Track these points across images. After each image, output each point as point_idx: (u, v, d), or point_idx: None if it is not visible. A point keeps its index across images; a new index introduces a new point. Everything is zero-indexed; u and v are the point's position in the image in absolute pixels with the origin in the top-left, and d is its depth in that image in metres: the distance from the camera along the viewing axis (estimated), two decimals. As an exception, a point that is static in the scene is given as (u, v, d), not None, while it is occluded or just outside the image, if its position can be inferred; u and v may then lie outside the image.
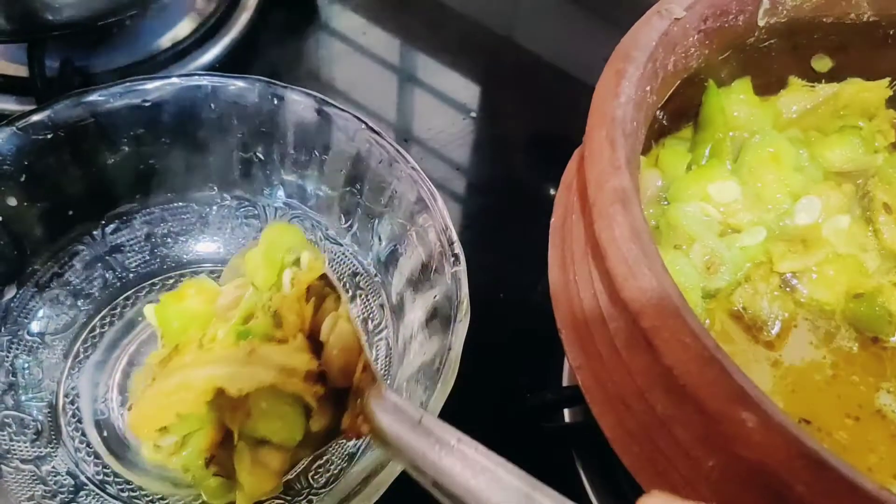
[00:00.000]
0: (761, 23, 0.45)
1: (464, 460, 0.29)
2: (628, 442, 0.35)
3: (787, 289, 0.43)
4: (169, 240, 0.54)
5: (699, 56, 0.43)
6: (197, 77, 0.50)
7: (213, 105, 0.51)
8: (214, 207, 0.54)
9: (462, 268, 0.43)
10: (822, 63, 0.50)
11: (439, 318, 0.43)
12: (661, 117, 0.48)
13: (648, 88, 0.38)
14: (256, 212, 0.54)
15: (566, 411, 0.50)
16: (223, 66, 0.70)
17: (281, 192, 0.53)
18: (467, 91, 0.72)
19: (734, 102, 0.49)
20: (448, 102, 0.71)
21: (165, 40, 0.71)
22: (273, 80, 0.50)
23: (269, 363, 0.43)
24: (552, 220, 0.42)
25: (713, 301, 0.42)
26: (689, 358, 0.30)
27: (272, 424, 0.42)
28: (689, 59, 0.42)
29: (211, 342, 0.45)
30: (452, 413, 0.51)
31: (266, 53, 0.73)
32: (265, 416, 0.42)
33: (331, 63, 0.74)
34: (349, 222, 0.51)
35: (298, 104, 0.50)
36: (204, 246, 0.54)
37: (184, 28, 0.72)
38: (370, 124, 0.48)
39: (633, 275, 0.31)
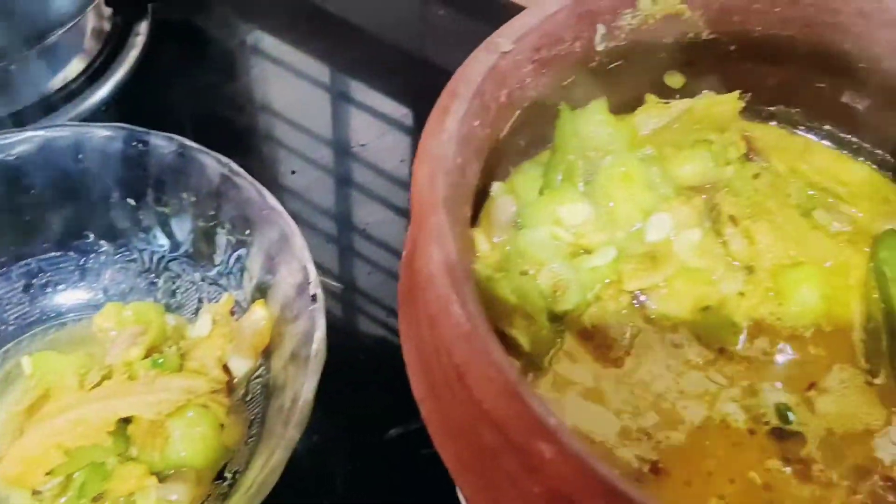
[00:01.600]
0: (599, 48, 0.46)
1: None
2: (465, 472, 0.36)
3: (637, 305, 0.44)
4: (48, 289, 0.54)
5: (538, 84, 0.44)
6: (60, 128, 0.51)
7: (79, 155, 0.51)
8: (92, 255, 0.54)
9: (319, 306, 0.43)
10: (674, 79, 0.51)
11: (300, 356, 0.44)
12: (521, 143, 0.49)
13: (478, 123, 0.39)
14: (134, 256, 0.55)
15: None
16: (117, 104, 0.71)
17: (156, 235, 0.54)
18: (393, 107, 0.72)
19: (590, 123, 0.50)
20: (380, 118, 0.72)
21: (56, 81, 0.71)
22: (135, 127, 0.50)
23: (174, 387, 0.45)
24: (404, 252, 0.43)
25: (562, 323, 0.43)
26: (495, 392, 0.30)
27: (191, 446, 0.44)
28: (527, 89, 0.43)
29: (93, 384, 0.46)
30: (326, 447, 0.52)
31: (158, 88, 0.73)
32: (184, 439, 0.44)
33: (247, 86, 0.75)
34: (223, 260, 0.52)
35: (162, 148, 0.50)
36: (84, 294, 0.55)
37: (73, 68, 0.72)
38: (231, 164, 0.49)
39: (445, 312, 0.32)
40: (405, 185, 0.66)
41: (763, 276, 0.46)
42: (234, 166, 0.49)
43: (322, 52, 0.78)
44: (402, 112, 0.72)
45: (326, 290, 0.57)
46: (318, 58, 0.78)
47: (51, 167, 0.51)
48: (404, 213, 0.65)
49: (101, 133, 0.51)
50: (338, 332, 0.56)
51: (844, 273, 0.47)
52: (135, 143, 0.51)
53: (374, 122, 0.72)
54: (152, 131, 0.51)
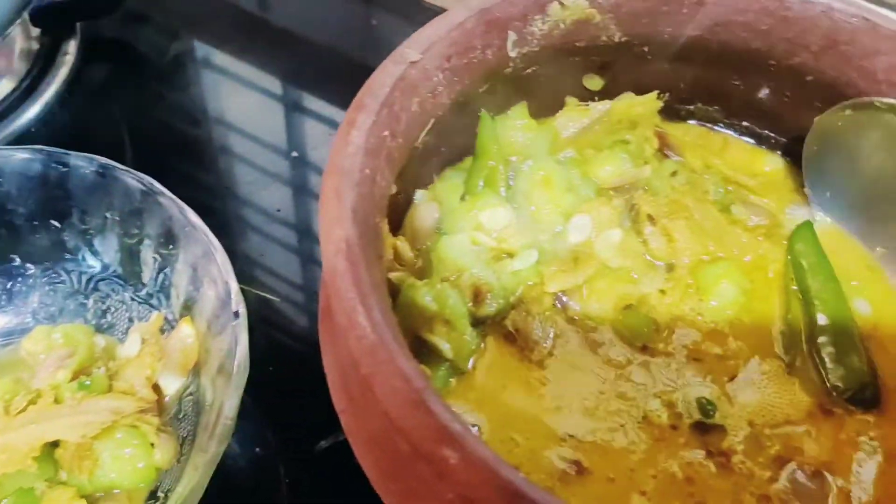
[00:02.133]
0: (512, 53, 0.46)
1: None
2: (385, 480, 0.36)
3: (559, 307, 0.45)
4: (-25, 314, 0.53)
5: (452, 92, 0.44)
6: (-24, 152, 0.50)
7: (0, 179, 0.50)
8: (19, 279, 0.54)
9: (241, 322, 0.43)
10: (593, 82, 0.52)
11: (224, 371, 0.44)
12: (443, 150, 0.50)
13: (387, 133, 0.39)
14: (63, 278, 0.54)
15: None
16: (47, 124, 0.70)
17: (83, 256, 0.53)
18: (338, 113, 0.73)
19: (511, 129, 0.50)
20: (328, 124, 0.72)
21: (-16, 105, 0.70)
22: (54, 148, 0.50)
23: (100, 408, 0.44)
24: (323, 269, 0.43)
25: (485, 328, 0.44)
26: (400, 401, 0.31)
27: (121, 468, 0.45)
28: (440, 97, 0.44)
29: (19, 409, 0.46)
30: (267, 459, 0.52)
31: (90, 106, 0.72)
32: (113, 461, 0.45)
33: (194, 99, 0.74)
34: (151, 279, 0.52)
35: (82, 169, 0.50)
36: (12, 318, 0.54)
37: (1, 89, 0.71)
38: (153, 182, 0.49)
39: (352, 324, 0.32)
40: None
41: (683, 272, 0.47)
42: (156, 184, 0.49)
43: (259, 62, 0.77)
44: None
45: (266, 302, 0.57)
46: (257, 66, 0.77)
47: (-30, 192, 0.50)
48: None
49: (20, 156, 0.50)
50: (275, 344, 0.56)
51: (763, 266, 0.48)
52: (54, 165, 0.50)
53: (322, 129, 0.72)
54: (71, 152, 0.50)
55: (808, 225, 0.48)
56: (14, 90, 0.71)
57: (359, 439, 0.38)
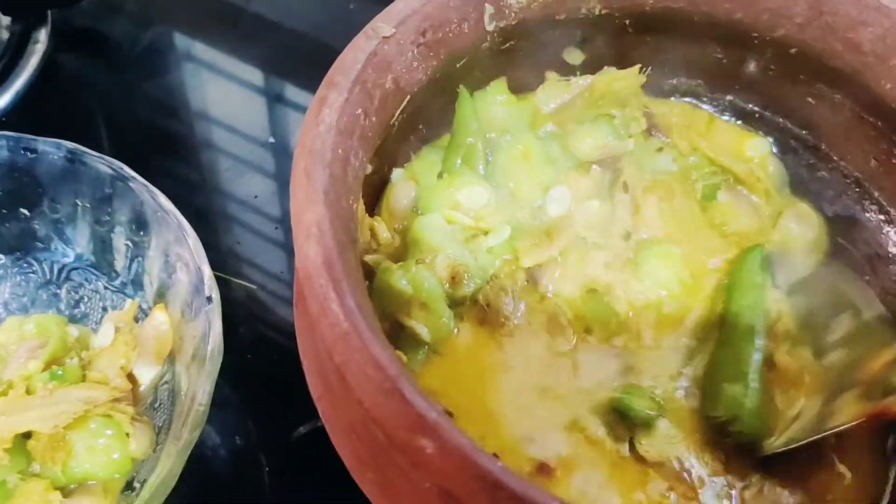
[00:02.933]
0: (490, 27, 0.45)
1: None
2: (363, 469, 0.36)
3: (531, 283, 0.44)
4: (-55, 305, 0.52)
5: (428, 67, 0.43)
6: (-60, 139, 0.48)
7: (-35, 166, 0.49)
8: (-11, 268, 0.52)
9: (214, 306, 0.42)
10: (573, 56, 0.51)
11: (198, 357, 0.43)
12: (421, 128, 0.49)
13: (360, 111, 0.38)
14: (34, 268, 0.53)
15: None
16: (18, 113, 0.68)
17: (55, 245, 0.52)
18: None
19: (491, 105, 0.49)
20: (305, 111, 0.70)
21: (-46, 95, 0.68)
22: (21, 134, 0.48)
23: (72, 398, 0.43)
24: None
25: (464, 308, 0.43)
26: (374, 389, 0.30)
27: (95, 458, 0.44)
28: (415, 73, 0.42)
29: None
30: (237, 445, 0.51)
31: (62, 95, 0.70)
32: (87, 451, 0.44)
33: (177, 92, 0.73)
34: (124, 266, 0.50)
35: (51, 155, 0.49)
36: (-19, 308, 0.52)
37: (-29, 80, 0.69)
38: (123, 167, 0.47)
39: (324, 311, 0.31)
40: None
41: (630, 245, 0.45)
42: (126, 169, 0.47)
43: (236, 50, 0.76)
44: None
45: (244, 291, 0.56)
46: (234, 54, 0.76)
47: (-64, 179, 0.49)
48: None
49: (-16, 142, 0.49)
50: (255, 333, 0.55)
51: (715, 273, 0.46)
52: (22, 151, 0.49)
53: (300, 116, 0.71)
54: (39, 138, 0.49)
55: (755, 253, 0.45)
56: (-18, 80, 0.69)
57: (336, 428, 0.37)
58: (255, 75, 0.74)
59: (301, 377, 0.51)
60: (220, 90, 0.73)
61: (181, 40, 0.77)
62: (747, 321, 0.42)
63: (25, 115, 0.68)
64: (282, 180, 0.65)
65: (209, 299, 0.42)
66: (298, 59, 0.75)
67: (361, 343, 0.30)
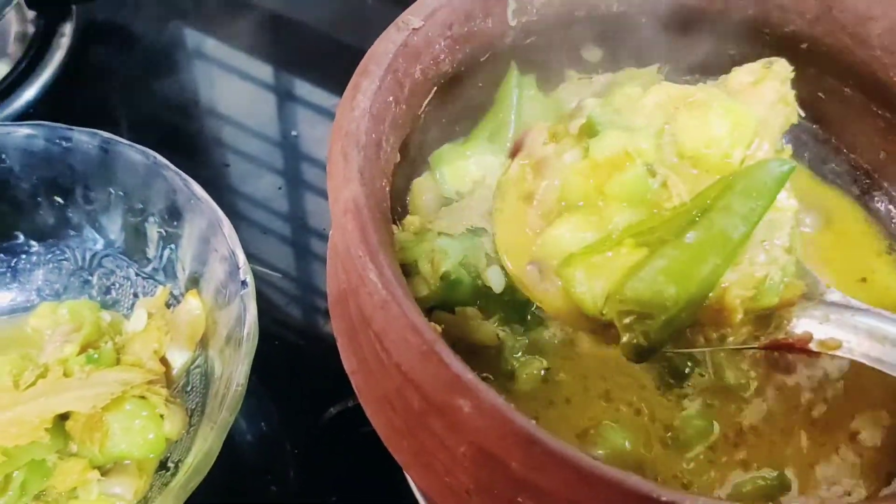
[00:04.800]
0: (513, 22, 0.47)
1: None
2: (397, 438, 0.37)
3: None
4: (-21, 292, 0.53)
5: (454, 61, 0.45)
6: (-21, 129, 0.50)
7: (2, 155, 0.51)
8: (23, 256, 0.54)
9: (249, 290, 0.44)
10: (592, 54, 0.52)
11: (233, 340, 0.44)
12: (444, 122, 0.50)
13: (391, 98, 0.40)
14: (67, 255, 0.54)
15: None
16: (44, 106, 0.70)
17: (87, 233, 0.53)
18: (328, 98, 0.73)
19: (525, 99, 0.50)
20: (315, 109, 0.72)
21: (-19, 88, 0.70)
22: (57, 124, 0.50)
23: (109, 380, 0.45)
24: (331, 232, 0.44)
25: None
26: (412, 354, 0.31)
27: (131, 438, 0.46)
28: (442, 65, 0.44)
29: (28, 383, 0.46)
30: (272, 434, 0.52)
31: (86, 89, 0.72)
32: (123, 432, 0.46)
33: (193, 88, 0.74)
34: (156, 254, 0.52)
35: (85, 144, 0.50)
36: (16, 295, 0.54)
37: (-2, 73, 0.71)
38: (157, 156, 0.49)
39: (362, 282, 0.33)
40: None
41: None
42: (160, 158, 0.49)
43: (256, 46, 0.78)
44: (336, 102, 0.73)
45: (263, 279, 0.58)
46: (252, 52, 0.77)
47: (-27, 169, 0.50)
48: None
49: (23, 132, 0.50)
50: (275, 321, 0.57)
51: None
52: (58, 141, 0.50)
53: (311, 113, 0.72)
54: (75, 127, 0.50)
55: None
56: (9, 74, 0.71)
57: (370, 399, 0.38)
58: (270, 70, 0.76)
59: (325, 362, 0.53)
60: (242, 85, 0.75)
61: (198, 35, 0.79)
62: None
63: (50, 109, 0.70)
64: (304, 171, 0.67)
65: (244, 283, 0.43)
66: (318, 59, 0.77)
67: (400, 310, 0.32)
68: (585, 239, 0.40)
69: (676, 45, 0.53)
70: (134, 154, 0.49)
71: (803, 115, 0.45)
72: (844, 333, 0.38)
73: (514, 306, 0.44)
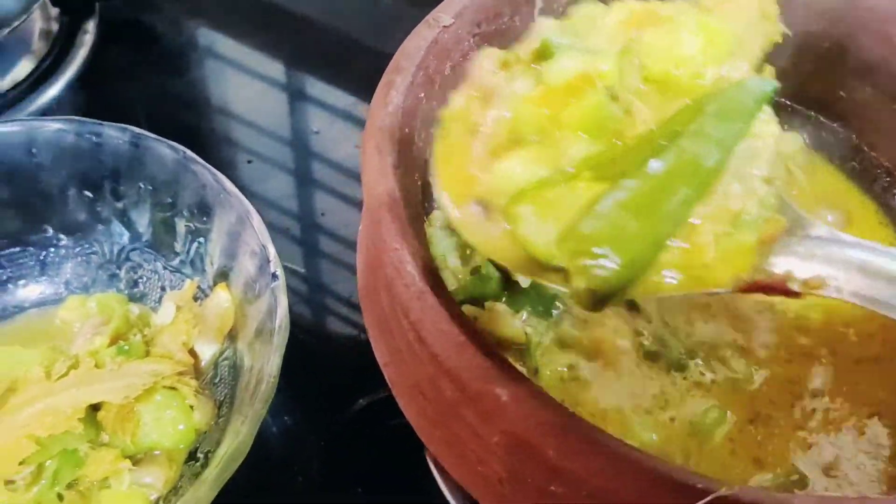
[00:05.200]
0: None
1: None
2: (430, 428, 0.38)
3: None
4: (9, 285, 0.54)
5: (482, 58, 0.45)
6: (11, 123, 0.51)
7: (33, 149, 0.51)
8: (52, 249, 0.55)
9: (280, 283, 0.44)
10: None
11: (264, 333, 0.45)
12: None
13: (423, 95, 0.40)
14: (95, 249, 0.55)
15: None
16: (68, 103, 0.71)
17: (115, 226, 0.54)
18: (343, 97, 0.74)
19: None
20: (330, 108, 0.73)
21: (5, 83, 0.71)
22: (87, 119, 0.51)
23: (140, 371, 0.46)
24: (360, 226, 0.44)
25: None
26: (449, 343, 0.32)
27: (162, 429, 0.47)
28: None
29: (60, 375, 0.47)
30: (297, 427, 0.53)
31: (109, 86, 0.73)
32: (154, 422, 0.47)
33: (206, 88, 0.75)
34: (183, 248, 0.53)
35: (116, 139, 0.51)
36: (45, 287, 0.55)
37: (22, 70, 0.72)
38: (186, 151, 0.50)
39: (399, 274, 0.34)
40: (356, 172, 0.66)
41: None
42: (189, 153, 0.50)
43: (273, 45, 0.78)
44: (352, 101, 0.74)
45: (291, 274, 0.58)
46: (269, 51, 0.78)
47: (4, 162, 0.51)
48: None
49: (54, 126, 0.51)
50: (299, 317, 0.57)
51: None
52: (88, 135, 0.51)
53: (326, 113, 0.73)
54: (105, 122, 0.51)
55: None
56: (34, 71, 0.72)
57: (402, 391, 0.39)
58: (283, 70, 0.77)
59: (346, 357, 0.53)
60: (254, 84, 0.76)
61: (222, 34, 0.80)
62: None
63: (73, 107, 0.71)
64: (322, 174, 0.68)
65: (275, 276, 0.44)
66: (333, 57, 0.78)
67: (436, 301, 0.33)
68: (538, 174, 0.35)
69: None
70: (164, 149, 0.50)
71: (788, 32, 0.41)
72: (832, 270, 0.34)
73: (541, 300, 0.44)
